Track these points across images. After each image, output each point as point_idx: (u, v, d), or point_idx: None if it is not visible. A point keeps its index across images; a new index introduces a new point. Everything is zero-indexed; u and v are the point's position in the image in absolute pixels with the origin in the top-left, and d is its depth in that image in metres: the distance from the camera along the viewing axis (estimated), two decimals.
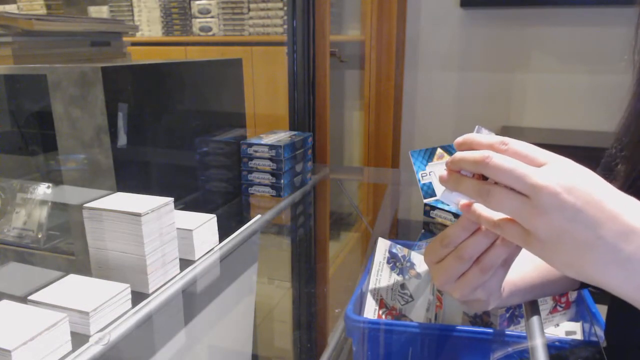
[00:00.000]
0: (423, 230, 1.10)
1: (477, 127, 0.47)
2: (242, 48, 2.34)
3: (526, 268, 0.62)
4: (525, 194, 0.40)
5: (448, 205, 0.49)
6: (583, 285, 0.67)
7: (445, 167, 0.47)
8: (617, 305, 0.60)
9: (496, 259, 0.47)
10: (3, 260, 0.89)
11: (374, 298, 0.69)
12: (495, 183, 0.43)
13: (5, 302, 0.58)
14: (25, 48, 0.94)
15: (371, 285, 0.71)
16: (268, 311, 1.01)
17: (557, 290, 0.67)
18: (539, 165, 0.41)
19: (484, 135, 0.45)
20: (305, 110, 1.52)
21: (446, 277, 0.49)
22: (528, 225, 0.40)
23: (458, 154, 0.44)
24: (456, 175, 0.45)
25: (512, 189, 0.41)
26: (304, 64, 1.48)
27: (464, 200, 0.47)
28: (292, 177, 1.23)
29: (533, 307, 0.62)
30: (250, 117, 1.76)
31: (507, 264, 0.50)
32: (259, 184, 1.20)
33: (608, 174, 0.55)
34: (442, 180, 0.46)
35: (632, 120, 0.53)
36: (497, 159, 0.41)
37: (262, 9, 2.37)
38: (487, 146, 0.43)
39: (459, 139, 0.46)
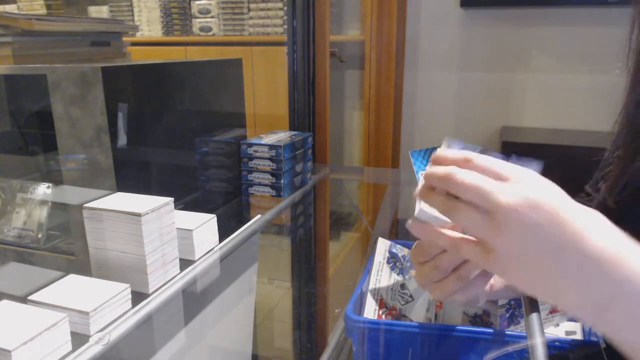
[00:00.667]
0: None
1: (447, 140, 0.47)
2: (242, 48, 2.34)
3: None
4: (488, 209, 0.40)
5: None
6: None
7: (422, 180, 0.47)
8: None
9: (473, 270, 0.48)
10: (3, 260, 0.89)
11: (374, 298, 0.69)
12: None
13: (5, 302, 0.58)
14: (25, 48, 0.94)
15: (371, 285, 0.71)
16: (268, 311, 1.01)
17: None
18: (504, 180, 0.40)
19: (451, 151, 0.45)
20: (305, 110, 1.52)
21: (424, 280, 0.51)
22: (490, 241, 0.40)
23: (428, 170, 0.44)
24: (428, 190, 0.45)
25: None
26: (304, 64, 1.48)
27: (443, 219, 0.47)
28: (292, 177, 1.23)
29: (532, 304, 0.63)
30: (250, 117, 1.76)
31: (487, 275, 0.50)
32: (259, 184, 1.20)
33: (605, 174, 0.55)
34: (416, 194, 0.46)
35: (625, 124, 0.53)
36: (461, 175, 0.41)
37: (262, 9, 2.37)
38: (451, 162, 0.43)
39: (433, 155, 0.46)
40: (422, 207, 0.47)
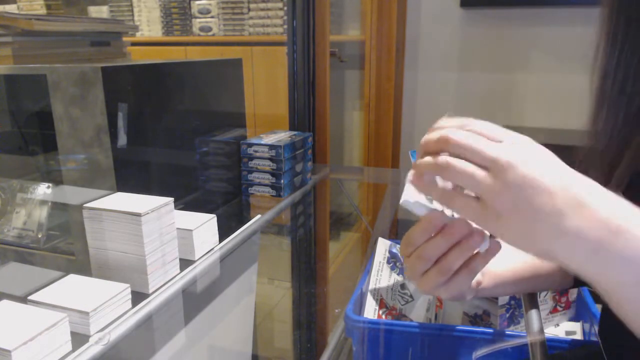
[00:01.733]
0: None
1: (447, 114, 0.49)
2: (242, 48, 2.34)
3: (514, 261, 0.63)
4: (483, 165, 0.41)
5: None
6: (577, 284, 0.67)
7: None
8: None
9: (453, 262, 0.49)
10: (3, 260, 0.89)
11: (374, 298, 0.69)
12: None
13: (5, 302, 0.58)
14: (25, 48, 0.94)
15: (371, 285, 0.71)
16: (268, 311, 1.01)
17: (547, 286, 0.67)
18: (497, 141, 0.43)
19: (449, 120, 0.47)
20: (305, 110, 1.52)
21: (411, 272, 0.52)
22: (485, 195, 0.41)
23: (424, 137, 0.46)
24: (420, 159, 0.46)
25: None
26: (304, 64, 1.48)
27: (423, 210, 0.49)
28: (292, 177, 1.23)
29: (532, 301, 0.63)
30: (250, 117, 1.76)
31: (471, 271, 0.51)
32: (259, 184, 1.20)
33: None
34: (414, 166, 0.48)
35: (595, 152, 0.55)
36: (456, 135, 0.43)
37: (262, 9, 2.37)
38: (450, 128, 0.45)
39: (433, 126, 0.48)
40: (405, 199, 0.49)
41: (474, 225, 0.47)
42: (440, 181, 0.47)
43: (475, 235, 0.47)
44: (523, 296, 0.65)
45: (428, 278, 0.51)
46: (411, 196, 0.49)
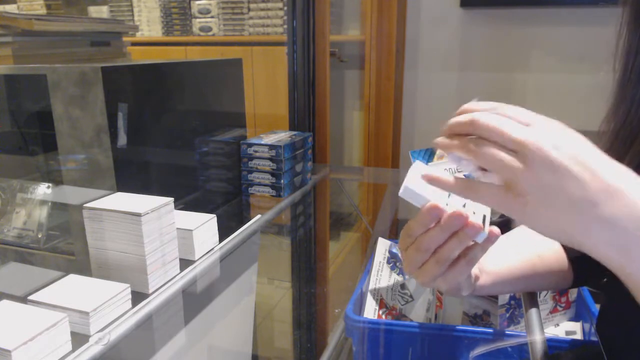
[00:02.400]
0: None
1: (475, 99, 0.48)
2: (242, 48, 2.34)
3: (513, 259, 0.63)
4: (511, 149, 0.41)
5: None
6: (577, 284, 0.67)
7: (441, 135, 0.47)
8: (608, 304, 0.60)
9: (451, 251, 0.49)
10: (3, 260, 0.89)
11: (374, 298, 0.69)
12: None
13: (5, 302, 0.58)
14: (25, 48, 0.94)
15: (371, 285, 0.71)
16: (268, 311, 1.01)
17: (546, 286, 0.67)
18: (526, 124, 0.42)
19: (477, 103, 0.46)
20: (305, 110, 1.52)
21: (409, 265, 0.53)
22: (515, 177, 0.40)
23: (451, 120, 0.46)
24: (448, 139, 0.46)
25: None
26: (304, 64, 1.48)
27: (422, 201, 0.48)
28: (292, 177, 1.23)
29: (532, 300, 0.63)
30: (250, 117, 1.76)
31: (469, 261, 0.51)
32: (259, 184, 1.20)
33: None
34: (437, 145, 0.47)
35: (614, 132, 0.55)
36: (484, 118, 0.43)
37: (262, 9, 2.37)
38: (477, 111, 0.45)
39: (460, 109, 0.47)
40: (406, 185, 0.48)
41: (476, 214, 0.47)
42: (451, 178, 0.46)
43: (473, 224, 0.47)
44: (523, 296, 0.65)
45: (426, 269, 0.51)
46: (413, 184, 0.48)
